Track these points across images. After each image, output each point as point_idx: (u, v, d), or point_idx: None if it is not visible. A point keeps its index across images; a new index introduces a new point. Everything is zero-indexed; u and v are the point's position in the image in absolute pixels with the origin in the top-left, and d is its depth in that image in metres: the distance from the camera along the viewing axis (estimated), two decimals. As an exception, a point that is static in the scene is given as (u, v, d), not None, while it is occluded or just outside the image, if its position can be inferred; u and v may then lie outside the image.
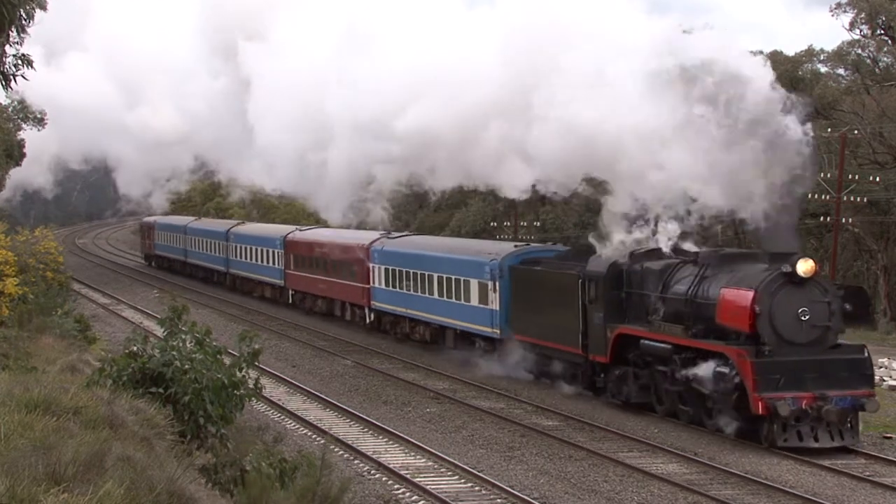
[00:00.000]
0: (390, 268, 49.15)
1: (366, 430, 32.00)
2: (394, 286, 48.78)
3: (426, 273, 45.81)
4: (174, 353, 19.99)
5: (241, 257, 68.67)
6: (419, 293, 46.40)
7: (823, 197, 55.56)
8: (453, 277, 43.66)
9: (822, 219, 58.12)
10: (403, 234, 56.03)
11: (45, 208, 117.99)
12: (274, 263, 62.00)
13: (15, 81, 15.92)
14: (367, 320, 52.20)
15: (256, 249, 65.29)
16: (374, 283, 50.74)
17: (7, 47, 15.42)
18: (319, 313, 57.65)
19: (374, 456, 28.41)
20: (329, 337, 50.75)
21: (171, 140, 62.50)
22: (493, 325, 41.00)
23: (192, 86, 57.80)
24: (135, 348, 20.45)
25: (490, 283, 41.01)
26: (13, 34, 15.17)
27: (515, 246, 43.45)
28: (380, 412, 34.39)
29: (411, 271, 47.13)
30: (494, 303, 40.75)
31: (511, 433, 31.60)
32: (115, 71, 61.77)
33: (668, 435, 31.04)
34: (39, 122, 53.02)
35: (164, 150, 65.79)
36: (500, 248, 43.42)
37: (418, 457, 28.65)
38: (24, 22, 14.85)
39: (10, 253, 39.22)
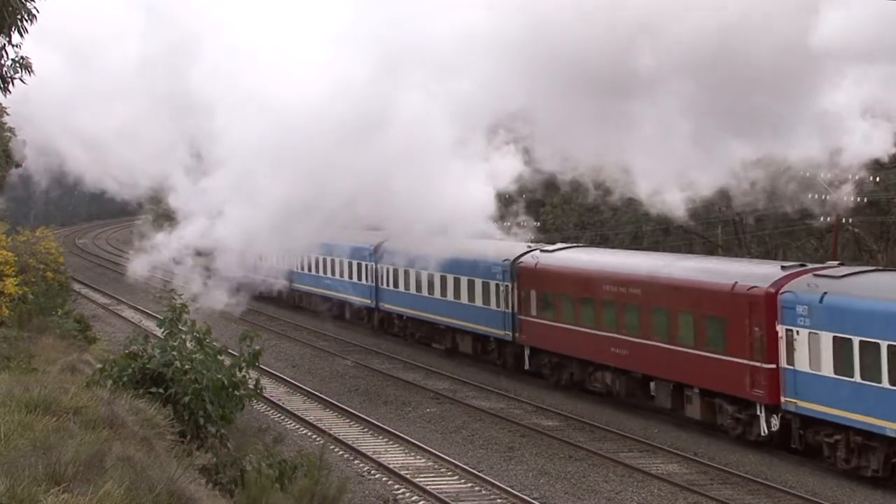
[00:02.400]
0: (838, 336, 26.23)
1: (366, 430, 32.00)
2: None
3: None
4: (174, 353, 20.00)
5: (404, 287, 47.64)
6: None
7: (823, 197, 55.54)
8: None
9: (822, 219, 58.06)
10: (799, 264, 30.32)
11: (46, 208, 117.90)
12: (493, 303, 40.64)
13: (13, 84, 15.90)
14: (765, 431, 28.74)
15: (445, 279, 43.96)
16: (791, 361, 27.50)
17: (7, 48, 15.41)
18: (622, 401, 34.97)
19: (374, 456, 28.42)
20: (329, 337, 50.70)
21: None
22: None
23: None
24: (135, 348, 20.47)
25: None
26: (13, 36, 15.16)
27: None
28: (380, 412, 34.39)
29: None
30: None
31: (511, 433, 31.60)
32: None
33: (668, 435, 31.05)
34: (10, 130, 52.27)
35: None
36: None
37: (418, 457, 28.66)
38: (25, 23, 14.84)
39: (11, 253, 39.20)
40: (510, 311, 39.50)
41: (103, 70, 49.04)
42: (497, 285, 40.30)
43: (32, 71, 16.00)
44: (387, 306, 49.41)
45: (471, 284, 42.11)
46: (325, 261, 55.00)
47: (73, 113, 50.48)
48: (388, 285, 48.88)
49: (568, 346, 36.51)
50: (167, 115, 47.11)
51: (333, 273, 54.46)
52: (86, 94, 49.88)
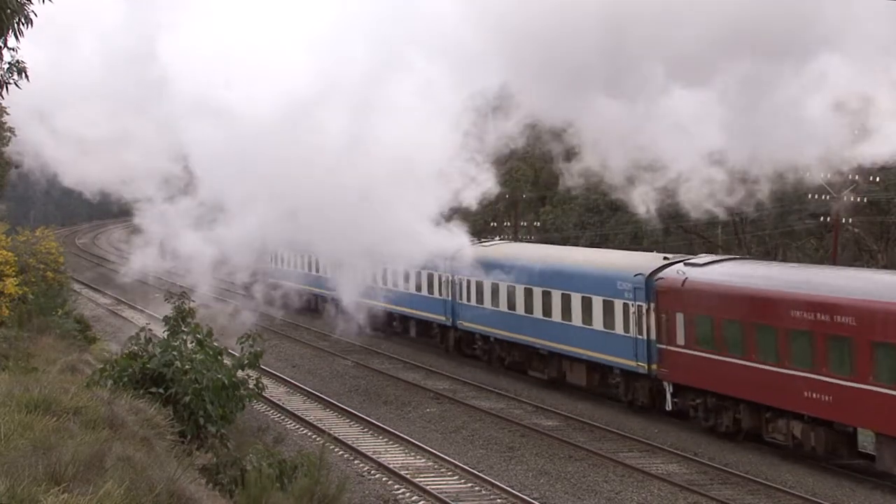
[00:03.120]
0: None
1: (366, 430, 32.00)
2: None
3: None
4: (175, 353, 20.01)
5: (491, 303, 41.07)
6: None
7: (823, 197, 55.59)
8: None
9: (822, 219, 58.14)
10: None
11: (45, 208, 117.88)
12: (619, 326, 33.82)
13: (7, 90, 15.87)
14: None
15: (549, 296, 37.40)
16: None
17: (4, 51, 15.39)
18: (815, 457, 28.46)
19: (374, 456, 28.43)
20: (329, 337, 50.67)
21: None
22: None
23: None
24: (135, 348, 20.47)
25: None
26: (10, 39, 15.14)
27: None
28: (380, 412, 34.39)
29: None
30: None
31: (511, 433, 31.60)
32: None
33: (668, 435, 31.05)
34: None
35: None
36: None
37: (418, 457, 28.66)
38: (22, 27, 14.81)
39: (11, 253, 39.17)
40: (644, 337, 32.46)
41: (77, 72, 48.56)
42: (625, 305, 33.31)
43: (28, 76, 15.99)
44: (466, 325, 42.71)
45: (586, 303, 35.16)
46: (383, 270, 47.17)
47: (55, 113, 49.98)
48: (468, 300, 42.32)
49: (734, 385, 29.48)
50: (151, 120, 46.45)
51: (395, 284, 47.17)
52: (65, 94, 49.28)
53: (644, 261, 34.72)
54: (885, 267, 63.33)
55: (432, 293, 44.64)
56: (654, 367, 32.31)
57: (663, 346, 31.90)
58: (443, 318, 44.27)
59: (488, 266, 40.50)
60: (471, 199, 38.61)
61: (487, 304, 40.90)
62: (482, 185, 38.17)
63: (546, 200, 77.13)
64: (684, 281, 31.42)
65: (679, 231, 65.99)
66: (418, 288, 45.47)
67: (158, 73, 39.99)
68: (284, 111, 35.68)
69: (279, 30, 37.41)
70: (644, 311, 32.56)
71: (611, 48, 29.60)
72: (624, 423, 32.46)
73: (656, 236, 66.36)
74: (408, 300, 46.56)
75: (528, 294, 38.23)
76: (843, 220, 56.66)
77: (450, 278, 43.28)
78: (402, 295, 46.79)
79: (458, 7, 34.17)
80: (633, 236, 67.27)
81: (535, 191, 76.74)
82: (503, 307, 39.74)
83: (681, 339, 31.22)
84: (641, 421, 32.73)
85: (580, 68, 30.96)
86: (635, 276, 33.07)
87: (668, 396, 32.04)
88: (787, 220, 60.86)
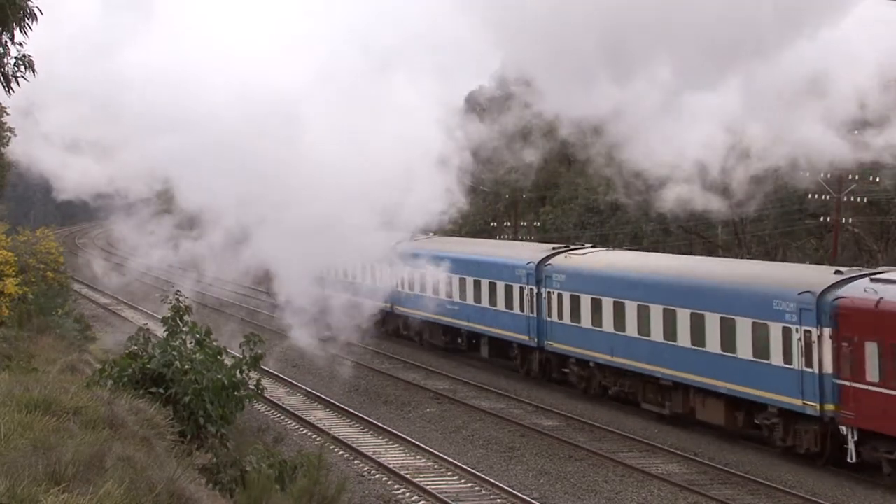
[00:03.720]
0: None
1: (366, 430, 32.00)
2: None
3: None
4: (174, 353, 20.00)
5: (591, 322, 35.71)
6: None
7: (823, 197, 55.57)
8: None
9: (822, 219, 58.11)
10: None
11: (45, 208, 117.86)
12: (775, 356, 28.34)
13: (17, 83, 15.89)
14: None
15: (673, 315, 32.06)
16: None
17: (10, 46, 15.41)
18: None
19: (374, 456, 28.43)
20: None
21: None
22: None
23: None
24: (135, 348, 20.46)
25: None
26: (15, 34, 15.18)
27: None
28: (380, 412, 34.39)
29: None
30: None
31: (511, 433, 31.60)
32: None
33: (668, 435, 31.05)
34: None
35: None
36: None
37: (418, 457, 28.66)
38: (27, 22, 14.86)
39: (11, 253, 39.18)
40: (816, 371, 26.89)
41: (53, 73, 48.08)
42: (785, 330, 27.87)
43: (35, 70, 16.01)
44: (557, 346, 37.56)
45: (727, 325, 29.81)
46: (449, 280, 43.78)
47: (40, 113, 49.61)
48: (558, 317, 37.30)
49: None
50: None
51: (463, 297, 43.04)
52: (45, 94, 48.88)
53: (806, 275, 29.34)
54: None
55: (511, 308, 40.01)
56: (828, 407, 26.62)
57: (846, 383, 26.13)
58: (524, 338, 39.43)
59: (587, 279, 36.01)
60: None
61: (586, 322, 35.75)
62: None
63: (546, 200, 77.13)
64: (878, 301, 25.63)
65: (679, 231, 65.96)
66: (492, 302, 41.08)
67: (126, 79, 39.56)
68: (275, 108, 35.52)
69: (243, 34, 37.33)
70: (815, 338, 26.98)
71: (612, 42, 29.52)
72: (624, 423, 32.46)
73: (657, 236, 66.34)
74: (479, 315, 42.17)
75: (644, 313, 32.99)
76: (843, 220, 56.63)
77: (534, 291, 38.69)
78: (473, 309, 42.51)
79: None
80: (633, 236, 67.24)
81: (534, 191, 76.78)
82: (607, 327, 34.54)
83: (873, 375, 25.49)
84: (641, 421, 32.72)
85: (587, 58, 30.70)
86: (800, 294, 27.54)
87: (851, 446, 26.23)
88: (787, 220, 60.83)
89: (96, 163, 46.98)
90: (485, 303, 41.56)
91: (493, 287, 41.05)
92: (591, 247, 41.31)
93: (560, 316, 37.07)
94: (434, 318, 45.05)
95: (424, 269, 44.32)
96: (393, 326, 49.20)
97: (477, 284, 42.19)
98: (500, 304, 40.49)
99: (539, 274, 38.23)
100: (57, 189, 53.04)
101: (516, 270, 39.46)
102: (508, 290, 39.98)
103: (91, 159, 47.31)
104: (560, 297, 37.07)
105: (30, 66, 15.89)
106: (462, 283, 43.08)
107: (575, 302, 36.26)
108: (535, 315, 38.43)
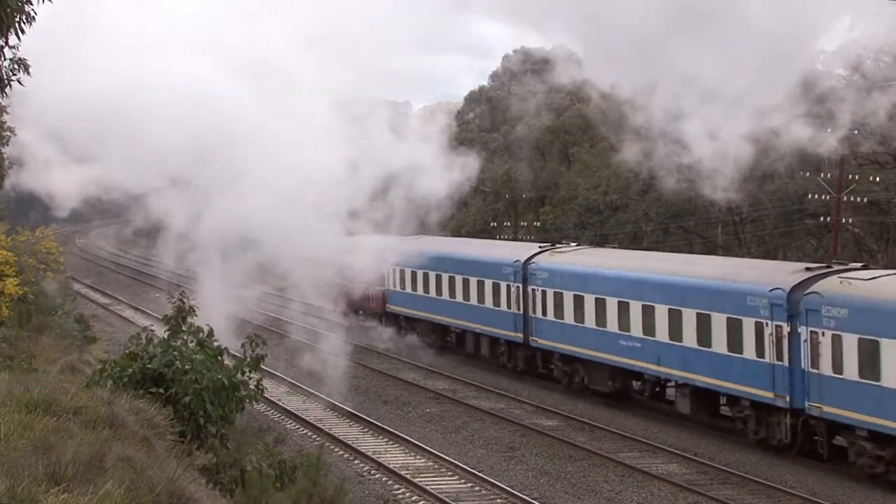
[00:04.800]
0: None
1: (366, 430, 32.00)
2: None
3: None
4: (175, 353, 20.01)
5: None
6: None
7: (823, 197, 55.58)
8: None
9: (822, 219, 58.13)
10: None
11: (45, 208, 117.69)
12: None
13: (10, 87, 15.87)
14: None
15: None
16: None
17: (6, 50, 15.40)
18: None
19: (374, 456, 28.43)
20: (330, 338, 50.51)
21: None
22: None
23: None
24: (135, 349, 20.47)
25: None
26: (10, 37, 15.15)
27: None
28: (380, 412, 34.39)
29: None
30: None
31: (511, 433, 31.60)
32: None
33: (668, 435, 31.05)
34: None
35: None
36: None
37: (418, 457, 28.66)
38: (23, 24, 14.84)
39: (11, 253, 39.21)
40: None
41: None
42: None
43: (30, 72, 15.99)
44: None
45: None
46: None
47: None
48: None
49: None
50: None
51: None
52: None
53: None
54: (886, 267, 63.35)
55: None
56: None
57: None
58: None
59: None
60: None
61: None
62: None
63: (546, 200, 77.17)
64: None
65: (679, 231, 65.99)
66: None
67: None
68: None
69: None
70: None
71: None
72: (624, 423, 32.46)
73: (657, 236, 66.37)
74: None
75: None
76: (843, 220, 56.64)
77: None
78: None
79: None
80: (633, 236, 67.27)
81: (534, 191, 76.83)
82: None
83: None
84: (641, 421, 32.73)
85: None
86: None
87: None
88: (787, 219, 60.85)
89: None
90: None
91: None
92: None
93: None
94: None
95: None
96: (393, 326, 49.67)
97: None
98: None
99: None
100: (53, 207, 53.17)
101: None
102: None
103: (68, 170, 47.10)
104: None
105: (25, 68, 15.87)
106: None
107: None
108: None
